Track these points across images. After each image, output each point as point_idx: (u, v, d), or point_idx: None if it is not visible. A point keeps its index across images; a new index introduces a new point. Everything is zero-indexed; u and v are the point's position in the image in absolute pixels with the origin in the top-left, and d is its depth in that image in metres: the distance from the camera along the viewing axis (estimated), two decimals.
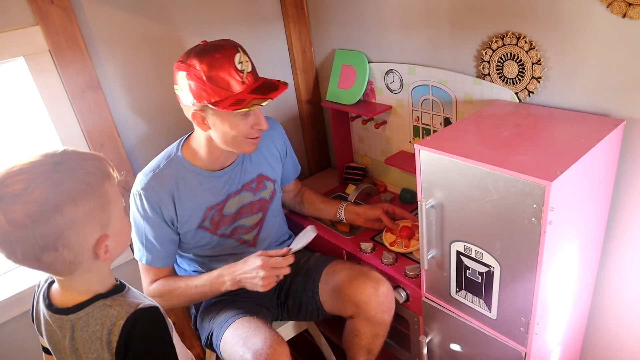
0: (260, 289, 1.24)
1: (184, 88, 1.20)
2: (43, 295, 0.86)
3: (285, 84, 1.27)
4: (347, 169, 2.00)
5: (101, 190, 0.76)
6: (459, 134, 1.17)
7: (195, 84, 1.17)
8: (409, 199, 1.78)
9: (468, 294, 1.20)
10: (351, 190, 1.89)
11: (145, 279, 1.37)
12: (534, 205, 0.93)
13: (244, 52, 1.23)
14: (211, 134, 1.27)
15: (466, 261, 1.15)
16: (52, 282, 0.86)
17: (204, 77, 1.16)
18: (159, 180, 1.28)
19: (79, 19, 1.38)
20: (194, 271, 1.47)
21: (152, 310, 0.81)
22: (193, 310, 1.52)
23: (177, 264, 1.50)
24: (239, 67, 1.18)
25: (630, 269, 1.28)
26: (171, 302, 1.33)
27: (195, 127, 1.29)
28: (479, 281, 1.14)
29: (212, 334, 1.36)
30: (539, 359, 1.16)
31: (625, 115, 1.14)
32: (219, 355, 1.34)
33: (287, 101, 2.05)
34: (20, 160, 0.72)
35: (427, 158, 1.12)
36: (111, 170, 0.80)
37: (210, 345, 1.37)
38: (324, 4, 1.82)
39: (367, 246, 1.54)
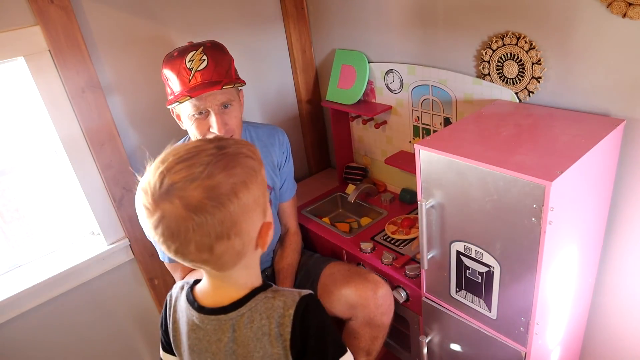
0: None
1: None
2: (188, 299, 0.80)
3: (232, 83, 1.22)
4: (347, 169, 2.00)
5: (261, 175, 0.73)
6: (459, 134, 1.17)
7: (163, 82, 1.27)
8: (409, 199, 1.78)
9: (468, 294, 1.20)
10: (351, 190, 1.89)
11: (176, 279, 1.41)
12: (534, 205, 0.93)
13: (209, 51, 1.22)
14: None
15: (466, 261, 1.15)
16: (193, 286, 0.82)
17: (164, 75, 1.25)
18: None
19: (79, 19, 1.38)
20: None
21: (314, 296, 0.78)
22: None
23: None
24: (188, 65, 1.21)
25: (630, 268, 1.27)
26: None
27: None
28: (479, 281, 1.14)
29: None
30: (539, 358, 1.16)
31: (625, 115, 1.13)
32: None
33: (287, 101, 2.05)
34: (180, 147, 0.70)
35: (427, 158, 1.12)
36: None
37: None
38: (324, 4, 1.82)
39: (367, 246, 1.54)
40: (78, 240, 1.65)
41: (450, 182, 1.09)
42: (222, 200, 0.65)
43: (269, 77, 1.95)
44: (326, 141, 2.21)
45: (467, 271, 1.16)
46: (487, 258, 1.09)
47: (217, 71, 1.22)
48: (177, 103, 1.21)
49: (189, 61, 1.20)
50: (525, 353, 1.12)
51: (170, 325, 0.85)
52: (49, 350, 1.58)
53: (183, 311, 0.81)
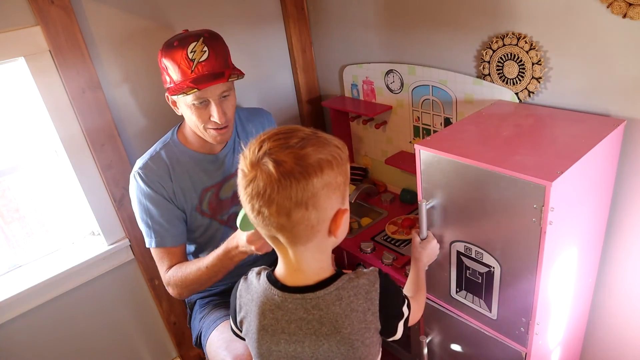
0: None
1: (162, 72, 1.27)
2: (270, 279, 0.85)
3: (236, 74, 1.27)
4: None
5: (345, 167, 0.80)
6: (459, 134, 1.17)
7: (161, 69, 1.27)
8: (409, 200, 1.78)
9: (468, 294, 1.20)
10: (351, 190, 1.89)
11: (161, 266, 1.33)
12: (534, 206, 0.93)
13: (208, 42, 1.24)
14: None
15: (466, 261, 1.15)
16: (270, 271, 0.87)
17: (163, 64, 1.25)
18: (156, 161, 1.31)
19: (79, 19, 1.38)
20: None
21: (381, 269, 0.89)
22: (189, 310, 1.53)
23: None
24: (190, 55, 1.23)
25: (630, 269, 1.28)
26: (190, 287, 1.30)
27: None
28: (479, 281, 1.14)
29: (200, 334, 1.38)
30: (539, 359, 1.16)
31: (625, 116, 1.14)
32: (206, 356, 1.35)
33: (287, 101, 2.05)
34: (281, 127, 0.79)
35: (427, 158, 1.12)
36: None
37: (199, 344, 1.39)
38: (324, 4, 1.82)
39: (367, 246, 1.54)
40: (78, 240, 1.65)
41: (451, 182, 1.09)
42: (308, 169, 0.73)
43: (269, 77, 1.95)
44: None
45: (468, 271, 1.16)
46: (488, 258, 1.09)
47: (218, 62, 1.25)
48: (183, 94, 1.22)
49: (191, 52, 1.22)
50: (526, 353, 1.12)
51: (238, 311, 0.91)
52: (49, 351, 1.58)
53: (259, 293, 0.86)
